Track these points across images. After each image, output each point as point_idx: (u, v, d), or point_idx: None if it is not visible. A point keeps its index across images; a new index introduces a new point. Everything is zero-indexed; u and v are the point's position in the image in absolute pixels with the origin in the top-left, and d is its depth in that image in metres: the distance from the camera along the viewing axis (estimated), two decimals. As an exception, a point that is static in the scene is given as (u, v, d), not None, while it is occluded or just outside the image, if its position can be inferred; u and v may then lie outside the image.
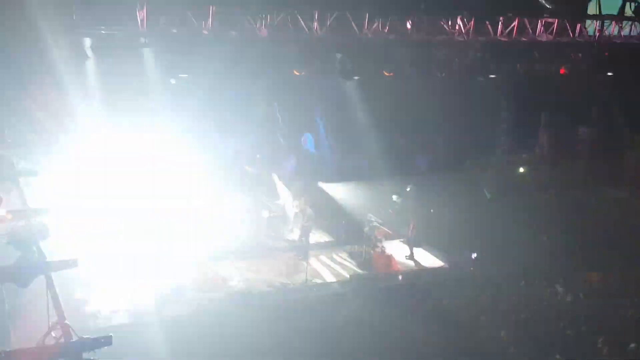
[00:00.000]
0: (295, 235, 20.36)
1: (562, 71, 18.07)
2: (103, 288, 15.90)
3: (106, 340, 3.42)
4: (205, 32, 14.32)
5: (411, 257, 19.22)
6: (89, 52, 14.41)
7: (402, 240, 19.38)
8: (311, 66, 15.82)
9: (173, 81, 14.74)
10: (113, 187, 17.08)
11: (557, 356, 13.85)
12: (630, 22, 19.22)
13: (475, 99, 20.14)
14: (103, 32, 13.99)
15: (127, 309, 15.39)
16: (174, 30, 14.11)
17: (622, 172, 23.51)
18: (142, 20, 13.90)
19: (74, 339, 3.59)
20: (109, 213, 16.90)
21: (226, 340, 14.09)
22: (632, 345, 14.29)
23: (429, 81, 18.98)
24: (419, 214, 19.75)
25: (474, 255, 19.17)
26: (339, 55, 15.75)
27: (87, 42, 14.38)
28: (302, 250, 18.74)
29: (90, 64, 15.31)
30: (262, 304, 16.19)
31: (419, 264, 19.31)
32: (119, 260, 16.12)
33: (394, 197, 21.33)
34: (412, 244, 19.30)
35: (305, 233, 18.89)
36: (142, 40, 14.53)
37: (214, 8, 14.42)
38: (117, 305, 15.47)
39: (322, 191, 21.15)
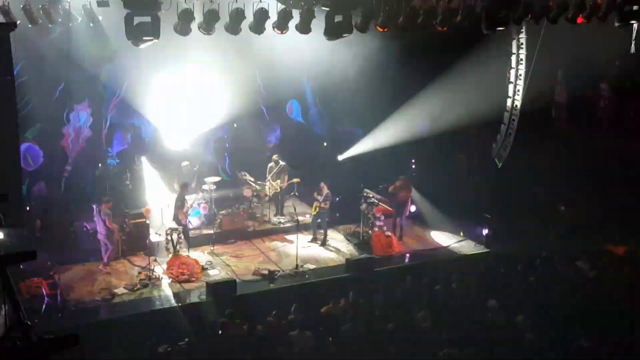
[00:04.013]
0: (281, 217, 20.32)
1: (579, 20, 17.86)
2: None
3: (72, 340, 3.31)
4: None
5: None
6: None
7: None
8: (294, 24, 15.51)
9: (142, 46, 14.56)
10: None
11: (582, 340, 13.86)
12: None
13: (477, 56, 19.96)
14: None
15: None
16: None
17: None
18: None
19: (34, 339, 3.50)
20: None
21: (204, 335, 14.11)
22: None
23: (425, 37, 18.72)
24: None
25: (485, 232, 19.20)
26: (325, 10, 15.44)
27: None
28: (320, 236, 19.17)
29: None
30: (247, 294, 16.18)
31: (424, 244, 19.44)
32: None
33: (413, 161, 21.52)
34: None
35: (322, 217, 19.04)
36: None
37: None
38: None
39: (311, 165, 21.10)
